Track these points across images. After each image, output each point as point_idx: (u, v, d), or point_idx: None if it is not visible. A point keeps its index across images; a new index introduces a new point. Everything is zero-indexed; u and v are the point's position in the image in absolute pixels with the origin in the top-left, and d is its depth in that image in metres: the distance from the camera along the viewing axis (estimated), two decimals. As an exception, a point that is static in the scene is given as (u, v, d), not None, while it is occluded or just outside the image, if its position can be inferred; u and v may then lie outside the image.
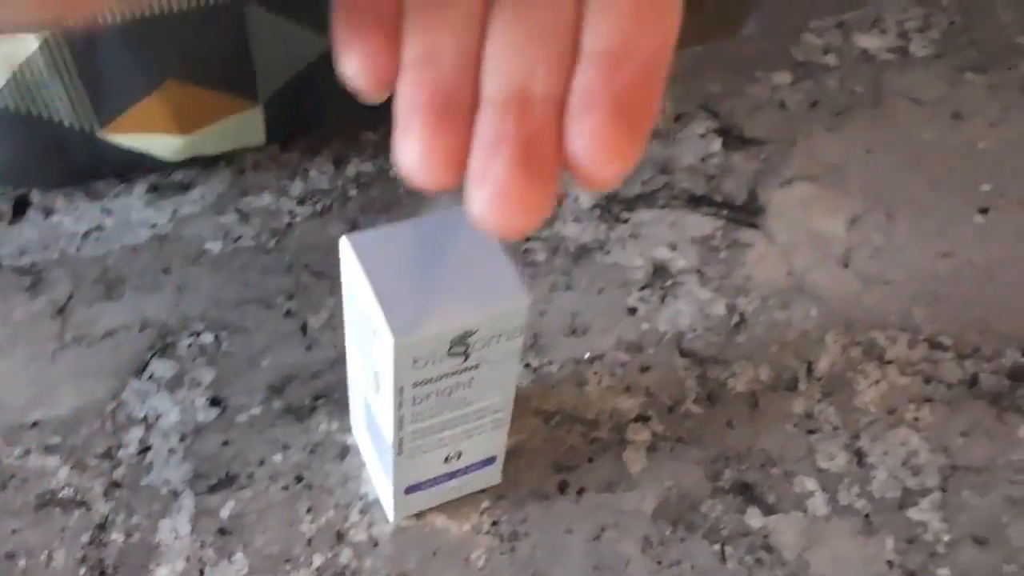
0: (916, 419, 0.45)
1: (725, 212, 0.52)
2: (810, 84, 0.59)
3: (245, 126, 0.49)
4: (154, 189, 0.51)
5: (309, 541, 0.40)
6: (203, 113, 0.47)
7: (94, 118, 0.46)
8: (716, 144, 0.55)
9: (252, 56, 0.46)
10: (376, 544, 0.40)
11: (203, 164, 0.51)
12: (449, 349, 0.31)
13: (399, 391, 0.32)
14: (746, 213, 0.52)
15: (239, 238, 0.49)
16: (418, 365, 0.31)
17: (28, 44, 0.42)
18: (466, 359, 0.32)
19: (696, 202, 0.53)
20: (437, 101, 0.21)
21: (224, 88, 0.47)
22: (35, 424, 0.42)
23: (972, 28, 0.63)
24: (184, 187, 0.51)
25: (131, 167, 0.50)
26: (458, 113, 0.21)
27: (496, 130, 0.20)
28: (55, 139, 0.47)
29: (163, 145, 0.48)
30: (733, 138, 0.56)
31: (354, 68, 0.21)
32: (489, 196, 0.20)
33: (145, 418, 0.43)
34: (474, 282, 0.31)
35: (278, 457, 0.42)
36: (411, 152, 0.20)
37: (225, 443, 0.42)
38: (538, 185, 0.20)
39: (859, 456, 0.43)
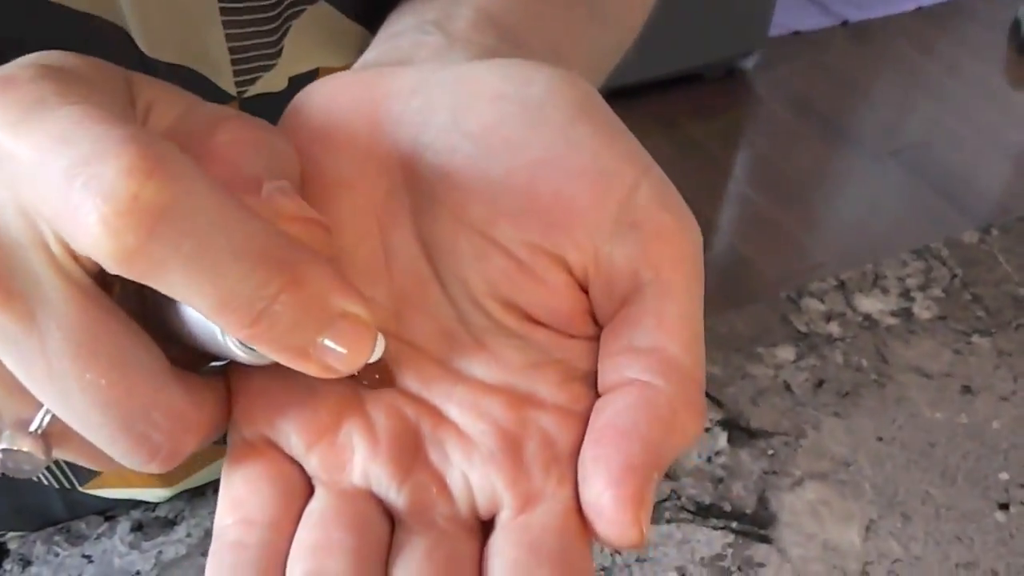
0: None
1: (735, 524, 0.50)
2: (814, 360, 0.58)
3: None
4: (138, 527, 0.48)
5: None
6: (187, 466, 0.45)
7: (73, 479, 0.44)
8: (722, 440, 0.54)
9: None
10: None
11: (190, 494, 0.49)
12: None
13: None
14: (756, 524, 0.50)
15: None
16: None
17: None
18: None
19: (705, 512, 0.50)
20: None
21: (210, 439, 0.45)
22: None
23: (974, 282, 0.62)
24: (170, 523, 0.49)
25: (114, 507, 0.48)
26: None
27: None
28: (33, 495, 0.45)
29: (147, 494, 0.46)
30: (739, 431, 0.54)
31: None
32: None
33: None
34: None
35: None
36: None
37: None
38: None
39: None
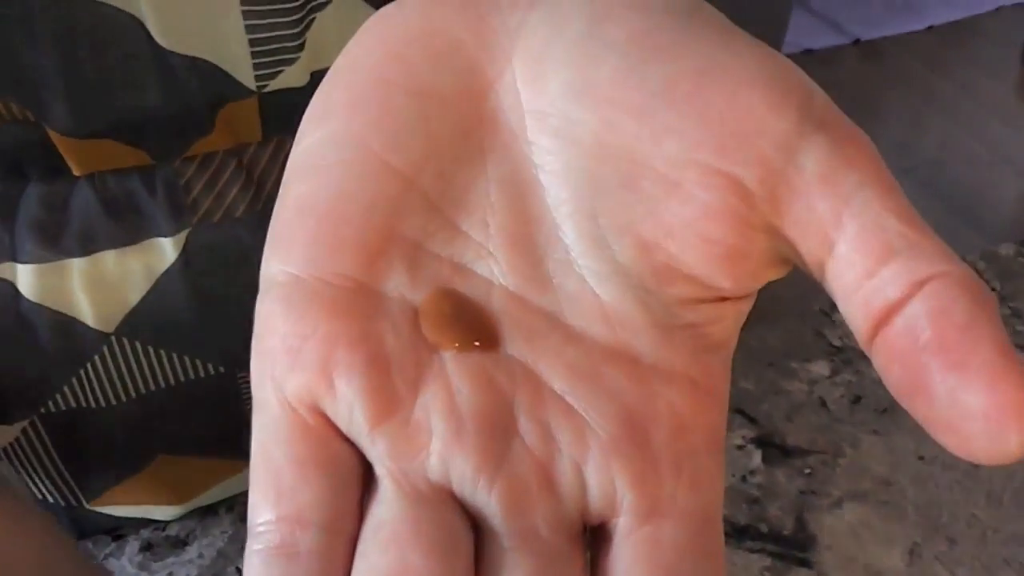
0: None
1: (772, 546, 0.48)
2: (850, 375, 0.55)
3: (246, 479, 0.45)
4: (147, 547, 0.46)
5: None
6: (199, 481, 0.43)
7: (80, 495, 0.42)
8: (756, 458, 0.51)
9: (248, 419, 0.42)
10: None
11: (201, 512, 0.47)
12: None
13: None
14: (795, 546, 0.48)
15: (240, 604, 0.44)
16: None
17: (6, 433, 0.39)
18: None
19: (740, 534, 0.48)
20: None
21: (221, 454, 0.43)
22: None
23: (1013, 296, 0.60)
24: (180, 543, 0.46)
25: (123, 526, 0.45)
26: None
27: None
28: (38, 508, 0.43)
29: (157, 512, 0.44)
30: (774, 448, 0.52)
31: None
32: None
33: None
34: None
35: None
36: None
37: None
38: None
39: None
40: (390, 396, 0.18)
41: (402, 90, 0.20)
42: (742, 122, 0.18)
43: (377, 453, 0.18)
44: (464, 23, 0.21)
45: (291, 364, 0.19)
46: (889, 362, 0.17)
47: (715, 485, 0.18)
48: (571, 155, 0.19)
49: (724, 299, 0.19)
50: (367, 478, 0.19)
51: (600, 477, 0.18)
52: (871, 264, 0.17)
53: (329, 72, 0.22)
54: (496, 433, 0.18)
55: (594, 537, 0.18)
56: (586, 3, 0.20)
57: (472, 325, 0.19)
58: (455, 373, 0.19)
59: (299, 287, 0.19)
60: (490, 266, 0.20)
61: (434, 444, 0.18)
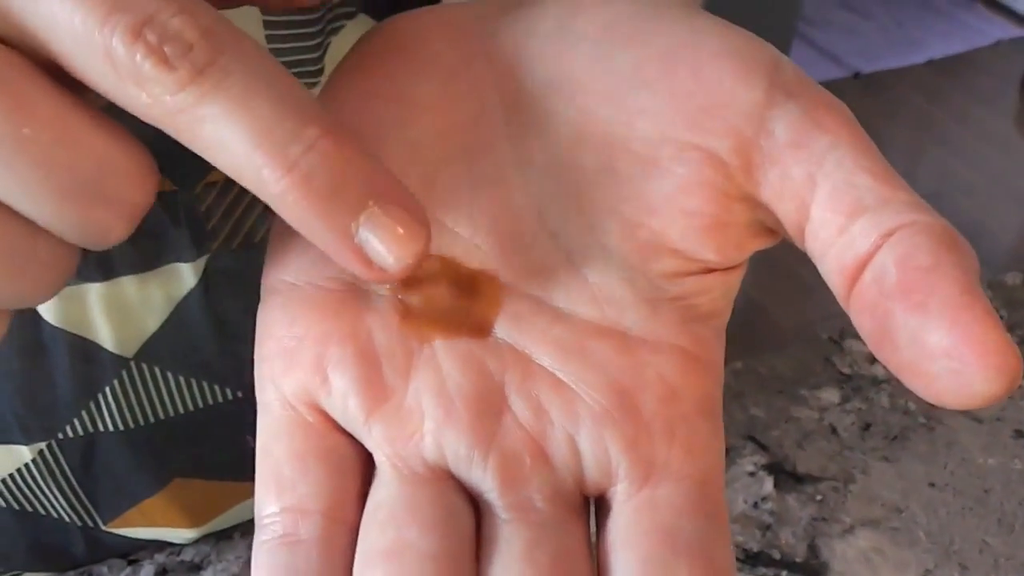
0: None
1: (785, 572, 0.48)
2: (859, 402, 0.56)
3: (262, 503, 0.46)
4: (162, 572, 0.46)
5: None
6: (216, 504, 0.44)
7: (96, 516, 0.42)
8: (768, 484, 0.52)
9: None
10: None
11: (216, 538, 0.47)
12: None
13: None
14: (808, 572, 0.48)
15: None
16: None
17: (20, 455, 0.39)
18: None
19: (753, 560, 0.48)
20: None
21: (237, 477, 0.43)
22: None
23: (1020, 324, 0.61)
24: (195, 567, 0.47)
25: (138, 549, 0.45)
26: None
27: None
28: (52, 531, 0.43)
29: (173, 535, 0.44)
30: (785, 475, 0.52)
31: None
32: None
33: None
34: None
35: None
36: None
37: None
38: None
39: None
40: (381, 385, 0.19)
41: (383, 99, 0.21)
42: (711, 96, 0.19)
43: (374, 440, 0.19)
44: (442, 35, 0.22)
45: (288, 365, 0.20)
46: (861, 315, 0.17)
47: (711, 449, 0.19)
48: (551, 146, 0.20)
49: (710, 271, 0.20)
50: (369, 469, 0.19)
51: (593, 446, 0.18)
52: (842, 221, 0.18)
53: (321, 87, 0.23)
54: (487, 411, 0.19)
55: (598, 510, 0.19)
56: (554, 3, 0.21)
57: (458, 315, 0.20)
58: (445, 360, 0.19)
59: (294, 293, 0.21)
60: (479, 259, 0.20)
61: (427, 425, 0.19)
